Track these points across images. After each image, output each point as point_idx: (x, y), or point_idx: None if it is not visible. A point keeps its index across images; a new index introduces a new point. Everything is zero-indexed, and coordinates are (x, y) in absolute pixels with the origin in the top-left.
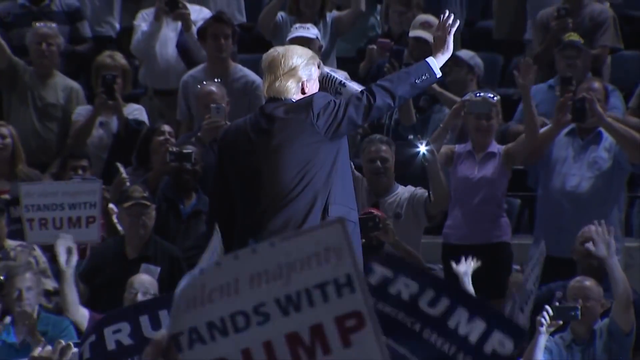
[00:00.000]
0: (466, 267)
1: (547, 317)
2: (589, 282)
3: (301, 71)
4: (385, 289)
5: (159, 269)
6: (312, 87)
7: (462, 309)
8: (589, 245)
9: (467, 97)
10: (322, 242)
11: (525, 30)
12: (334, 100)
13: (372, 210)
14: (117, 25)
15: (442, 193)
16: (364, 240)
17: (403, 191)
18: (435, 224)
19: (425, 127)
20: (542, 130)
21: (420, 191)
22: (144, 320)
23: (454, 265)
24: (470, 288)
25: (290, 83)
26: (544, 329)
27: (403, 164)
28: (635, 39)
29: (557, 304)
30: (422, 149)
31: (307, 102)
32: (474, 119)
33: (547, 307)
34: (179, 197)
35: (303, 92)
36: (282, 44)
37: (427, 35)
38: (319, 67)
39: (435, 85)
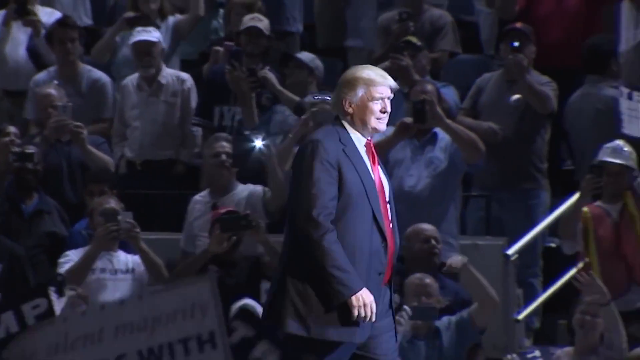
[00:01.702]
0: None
1: (405, 317)
2: (428, 280)
3: None
4: (246, 351)
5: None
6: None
7: None
8: (449, 261)
9: (306, 99)
10: (190, 297)
11: (346, 37)
12: None
13: (232, 209)
14: None
15: (279, 189)
16: (234, 238)
17: (242, 189)
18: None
19: (267, 128)
20: (380, 140)
21: (259, 188)
22: None
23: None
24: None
25: None
26: (401, 328)
27: (240, 158)
28: (470, 43)
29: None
30: (258, 143)
31: None
32: None
33: (406, 307)
34: (21, 196)
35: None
36: None
37: (260, 24)
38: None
39: (275, 84)
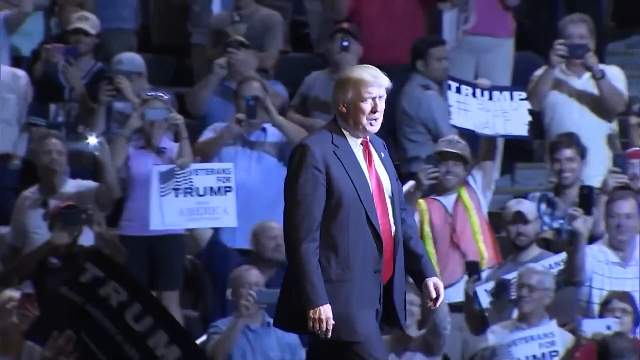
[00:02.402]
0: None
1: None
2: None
3: None
4: (95, 290)
5: None
6: None
7: (163, 333)
8: None
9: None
10: None
11: (190, 35)
12: None
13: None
14: None
15: (111, 185)
16: (76, 234)
17: (72, 185)
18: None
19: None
20: (213, 136)
21: (90, 184)
22: None
23: None
24: None
25: None
26: None
27: (73, 154)
28: (301, 42)
29: None
30: (92, 140)
31: None
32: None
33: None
34: None
35: None
36: None
37: (86, 24)
38: None
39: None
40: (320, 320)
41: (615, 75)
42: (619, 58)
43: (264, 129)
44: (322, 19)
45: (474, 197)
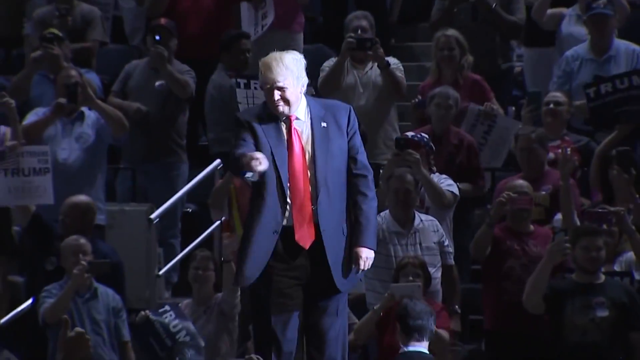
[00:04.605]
0: None
1: None
2: (83, 240)
3: None
4: None
5: None
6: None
7: None
8: None
9: None
10: None
11: (23, 27)
12: None
13: None
14: None
15: None
16: None
17: None
18: None
19: None
20: (38, 119)
21: None
22: None
23: None
24: None
25: None
26: None
27: None
28: (118, 35)
29: None
30: None
31: None
32: None
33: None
34: None
35: None
36: None
37: None
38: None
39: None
40: (252, 159)
41: (397, 65)
42: (401, 51)
43: (82, 112)
44: (136, 15)
45: None
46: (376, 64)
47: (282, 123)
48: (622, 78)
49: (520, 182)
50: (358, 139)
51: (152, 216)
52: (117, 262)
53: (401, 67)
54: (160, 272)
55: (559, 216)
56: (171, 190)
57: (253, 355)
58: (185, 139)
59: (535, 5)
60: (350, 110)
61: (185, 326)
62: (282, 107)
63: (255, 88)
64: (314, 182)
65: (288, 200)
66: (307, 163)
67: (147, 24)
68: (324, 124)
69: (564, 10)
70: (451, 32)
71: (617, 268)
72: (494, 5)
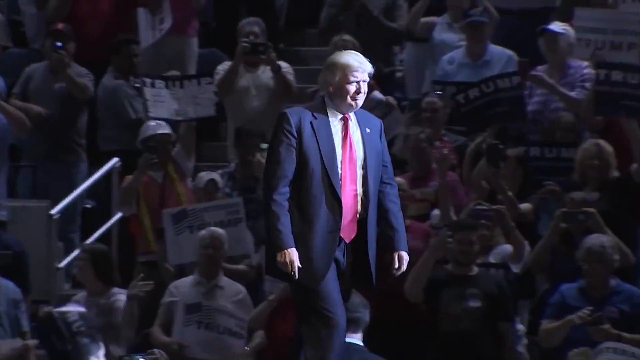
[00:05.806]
0: None
1: None
2: None
3: None
4: None
5: None
6: None
7: None
8: None
9: None
10: None
11: None
12: None
13: None
14: None
15: None
16: None
17: None
18: None
19: None
20: None
21: None
22: None
23: None
24: None
25: None
26: None
27: None
28: (19, 39)
29: None
30: None
31: None
32: None
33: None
34: None
35: None
36: None
37: None
38: None
39: None
40: (286, 262)
41: (287, 68)
42: (290, 55)
43: None
44: (36, 19)
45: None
46: (268, 67)
47: (337, 122)
48: (487, 82)
49: (399, 179)
50: (387, 150)
51: (52, 212)
52: (20, 251)
53: (291, 70)
54: (61, 265)
55: (436, 212)
56: (71, 187)
57: (155, 350)
58: (85, 139)
59: (409, 15)
60: (381, 123)
61: (81, 315)
62: (360, 102)
63: (160, 87)
64: (363, 182)
65: (340, 198)
66: (360, 163)
67: (47, 27)
68: (367, 130)
69: (435, 18)
70: (347, 37)
71: (492, 260)
72: (374, 14)
